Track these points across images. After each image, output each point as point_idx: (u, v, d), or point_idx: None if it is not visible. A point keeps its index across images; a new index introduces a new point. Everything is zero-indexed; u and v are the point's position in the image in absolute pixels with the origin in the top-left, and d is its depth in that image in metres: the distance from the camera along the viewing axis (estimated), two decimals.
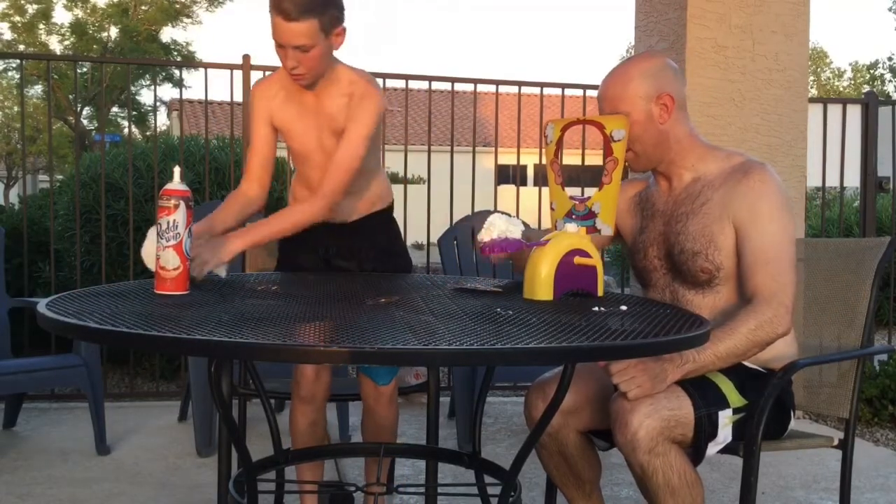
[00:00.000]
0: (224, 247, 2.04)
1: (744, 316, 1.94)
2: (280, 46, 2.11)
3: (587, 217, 2.04)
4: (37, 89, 23.89)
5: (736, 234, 2.00)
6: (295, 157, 2.41)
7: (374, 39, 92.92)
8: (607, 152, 2.00)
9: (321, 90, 2.25)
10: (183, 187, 1.86)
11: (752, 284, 1.97)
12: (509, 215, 2.14)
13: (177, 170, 1.89)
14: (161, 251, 1.83)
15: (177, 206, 1.83)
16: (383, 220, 2.50)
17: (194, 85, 29.75)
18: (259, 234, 2.16)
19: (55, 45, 25.34)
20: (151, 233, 1.92)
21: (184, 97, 16.25)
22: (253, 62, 4.45)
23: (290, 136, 2.35)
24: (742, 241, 1.99)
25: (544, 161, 2.17)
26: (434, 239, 4.14)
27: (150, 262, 1.90)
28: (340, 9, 2.16)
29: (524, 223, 2.04)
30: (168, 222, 1.83)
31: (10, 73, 25.24)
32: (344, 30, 2.16)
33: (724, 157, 2.08)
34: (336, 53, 2.22)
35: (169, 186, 1.86)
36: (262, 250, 2.93)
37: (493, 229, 2.00)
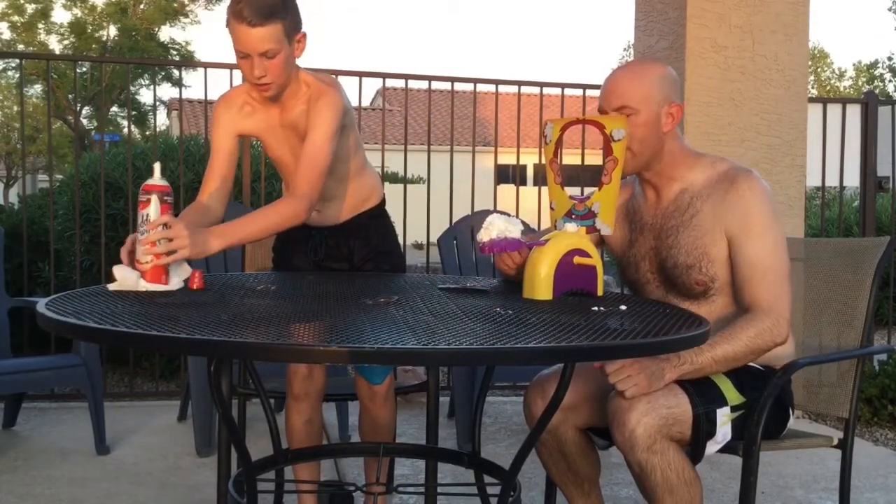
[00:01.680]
0: (206, 243, 1.93)
1: (743, 323, 1.94)
2: (244, 57, 2.06)
3: (587, 217, 2.04)
4: (36, 89, 23.90)
5: (729, 245, 2.00)
6: (275, 164, 2.40)
7: (373, 39, 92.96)
8: (607, 152, 2.00)
9: (284, 101, 2.22)
10: (161, 182, 1.89)
11: (750, 297, 1.97)
12: (508, 215, 2.14)
13: (156, 165, 1.93)
14: (138, 245, 1.86)
15: (149, 201, 1.87)
16: (374, 217, 2.49)
17: (194, 84, 29.79)
18: (239, 235, 2.07)
19: (54, 44, 25.36)
20: (123, 268, 1.88)
21: (183, 97, 16.22)
22: None
23: (265, 145, 2.34)
24: (735, 252, 1.99)
25: (544, 161, 2.17)
26: (434, 239, 4.14)
27: (118, 285, 1.87)
28: (299, 14, 2.13)
29: (523, 223, 2.04)
30: (142, 216, 1.87)
31: (9, 73, 25.25)
32: (304, 36, 2.14)
33: (710, 165, 2.08)
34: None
35: (148, 182, 1.89)
36: (262, 251, 2.93)
37: (493, 229, 2.00)
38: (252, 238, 2.15)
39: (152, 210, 1.86)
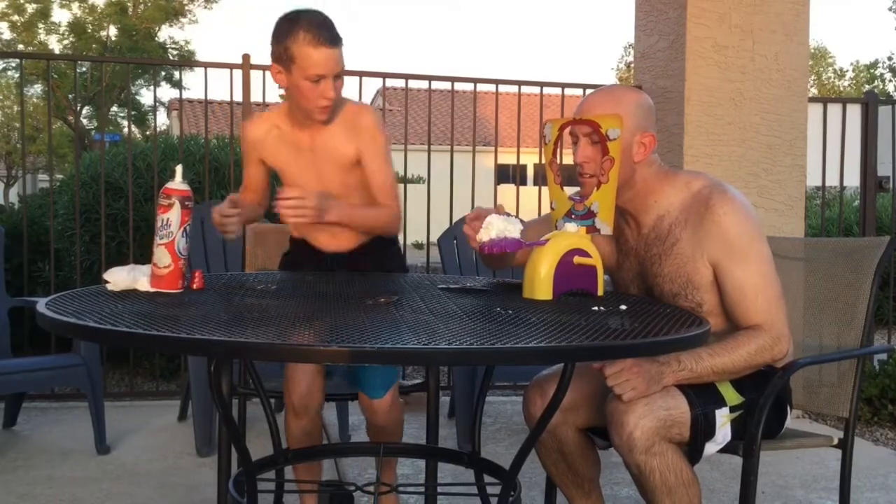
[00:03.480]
0: (327, 210, 2.15)
1: (744, 338, 1.94)
2: (319, 79, 2.15)
3: (586, 217, 2.04)
4: (36, 89, 23.90)
5: (714, 270, 1.99)
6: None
7: (374, 39, 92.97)
8: (603, 151, 1.99)
9: (312, 124, 2.26)
10: (183, 187, 1.86)
11: (746, 320, 1.96)
12: (508, 214, 2.14)
13: (178, 168, 1.88)
14: (155, 247, 1.84)
15: (171, 205, 1.84)
16: (386, 245, 2.48)
17: (194, 85, 29.80)
18: (350, 216, 2.27)
19: (54, 44, 25.35)
20: (114, 271, 1.88)
21: (184, 97, 16.18)
22: (252, 61, 4.45)
23: (285, 175, 2.37)
24: (722, 277, 1.98)
25: (544, 161, 2.17)
26: (434, 239, 4.14)
27: (114, 287, 1.86)
28: None
29: (522, 221, 2.04)
30: (163, 220, 1.84)
31: (9, 73, 25.25)
32: None
33: (684, 186, 2.04)
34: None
35: (169, 185, 1.87)
36: (262, 251, 2.93)
37: (492, 228, 2.00)
38: (358, 224, 2.32)
39: (174, 216, 1.84)
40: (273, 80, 2.22)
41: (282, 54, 2.15)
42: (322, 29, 2.13)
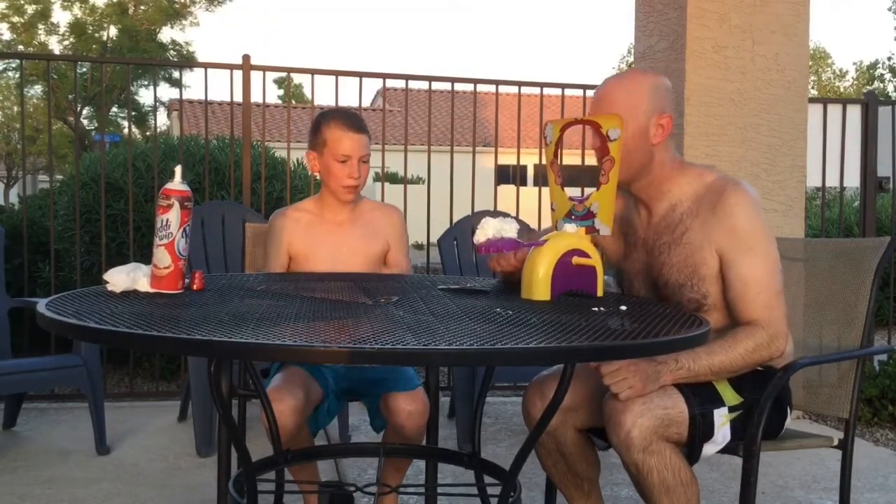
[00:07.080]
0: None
1: (742, 336, 1.94)
2: (345, 160, 2.40)
3: (586, 217, 2.03)
4: (37, 89, 23.88)
5: (720, 261, 1.99)
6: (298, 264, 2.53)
7: (374, 39, 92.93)
8: (604, 152, 1.99)
9: (345, 216, 2.49)
10: (182, 187, 1.86)
11: (747, 314, 1.97)
12: (505, 215, 2.14)
13: (177, 169, 1.89)
14: (155, 248, 1.84)
15: (170, 206, 1.84)
16: None
17: (194, 85, 29.81)
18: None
19: (54, 44, 25.34)
20: (114, 272, 1.88)
21: (184, 97, 16.16)
22: (253, 62, 4.45)
23: (306, 261, 2.47)
24: (727, 269, 1.98)
25: (544, 161, 2.17)
26: (434, 239, 4.14)
27: (114, 288, 1.86)
28: None
29: (520, 222, 2.04)
30: (162, 221, 1.85)
31: (9, 74, 25.24)
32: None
33: (697, 177, 2.05)
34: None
35: (168, 186, 1.87)
36: (262, 249, 2.93)
37: (489, 228, 2.01)
38: None
39: (173, 216, 1.84)
40: (308, 166, 2.50)
41: (316, 141, 2.44)
42: (351, 118, 2.43)
